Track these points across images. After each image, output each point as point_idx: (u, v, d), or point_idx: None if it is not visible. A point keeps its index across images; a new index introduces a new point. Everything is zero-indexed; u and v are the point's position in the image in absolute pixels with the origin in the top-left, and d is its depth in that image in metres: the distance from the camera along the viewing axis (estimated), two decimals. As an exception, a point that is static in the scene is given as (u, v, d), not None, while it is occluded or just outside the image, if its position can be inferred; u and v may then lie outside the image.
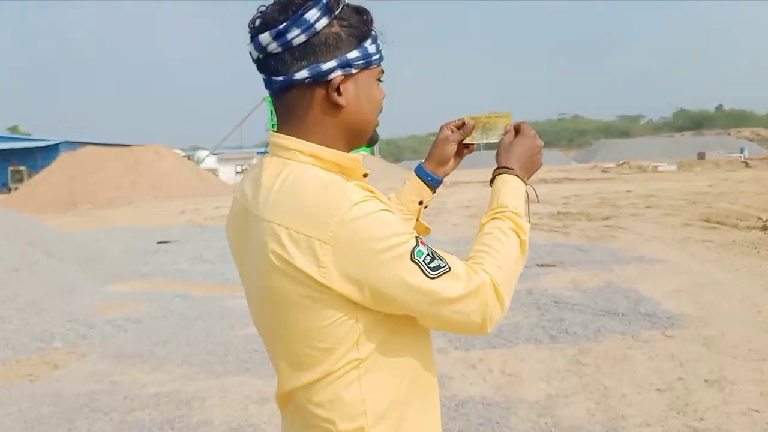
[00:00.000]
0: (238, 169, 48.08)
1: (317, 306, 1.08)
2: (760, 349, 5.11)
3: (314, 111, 1.16)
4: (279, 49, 1.11)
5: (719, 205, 15.22)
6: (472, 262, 1.18)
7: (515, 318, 6.22)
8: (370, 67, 1.18)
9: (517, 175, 1.32)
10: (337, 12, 1.12)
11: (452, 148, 1.51)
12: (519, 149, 1.36)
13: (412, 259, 1.07)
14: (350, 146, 1.22)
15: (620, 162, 40.51)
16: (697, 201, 16.43)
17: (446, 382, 4.68)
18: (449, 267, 1.11)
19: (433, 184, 1.53)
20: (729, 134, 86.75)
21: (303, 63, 1.12)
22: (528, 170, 1.36)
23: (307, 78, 1.12)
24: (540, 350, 5.34)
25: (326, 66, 1.12)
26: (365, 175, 1.22)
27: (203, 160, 55.02)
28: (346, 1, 1.15)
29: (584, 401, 4.23)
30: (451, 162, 1.53)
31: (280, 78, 1.13)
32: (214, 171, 50.00)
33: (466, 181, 32.35)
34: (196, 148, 62.09)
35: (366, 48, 1.16)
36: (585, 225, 13.22)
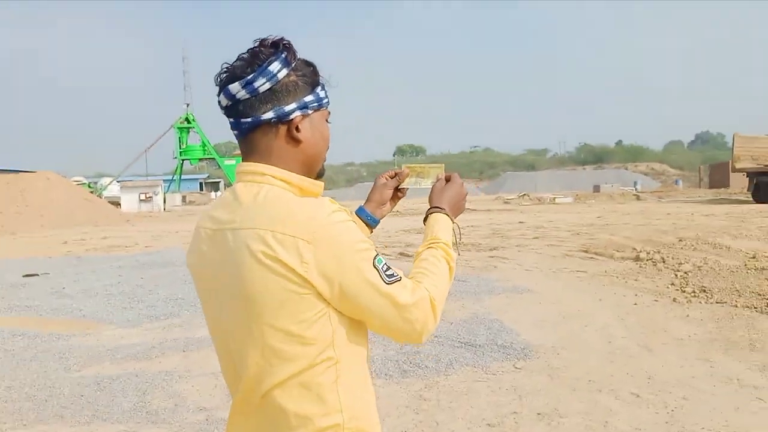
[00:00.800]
0: (142, 197, 46.36)
1: (298, 299, 1.25)
2: (599, 380, 5.20)
3: (278, 145, 1.38)
4: (247, 96, 1.34)
5: (601, 236, 15.81)
6: (413, 281, 1.39)
7: (373, 351, 6.10)
8: (321, 108, 1.43)
9: (447, 215, 1.60)
10: (293, 64, 1.37)
11: (389, 192, 1.81)
12: (449, 193, 1.65)
13: (374, 265, 1.30)
14: (305, 174, 1.42)
15: (521, 194, 41.82)
16: (581, 232, 17.01)
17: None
18: (401, 277, 1.34)
19: (371, 223, 1.79)
20: (626, 168, 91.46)
21: (268, 106, 1.35)
22: (455, 212, 1.64)
23: (272, 118, 1.35)
24: (388, 385, 5.23)
25: (288, 108, 1.36)
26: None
27: (105, 187, 52.87)
28: (299, 57, 1.39)
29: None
30: (388, 205, 1.82)
31: (249, 119, 1.36)
32: (116, 199, 48.09)
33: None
34: (101, 176, 59.63)
35: (318, 93, 1.41)
36: (471, 256, 13.38)
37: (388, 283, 1.30)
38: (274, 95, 1.34)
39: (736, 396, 4.78)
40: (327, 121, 1.46)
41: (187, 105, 55.90)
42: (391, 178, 1.82)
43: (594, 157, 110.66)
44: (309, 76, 1.40)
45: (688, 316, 7.49)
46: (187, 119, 54.64)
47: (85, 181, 54.80)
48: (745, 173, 29.97)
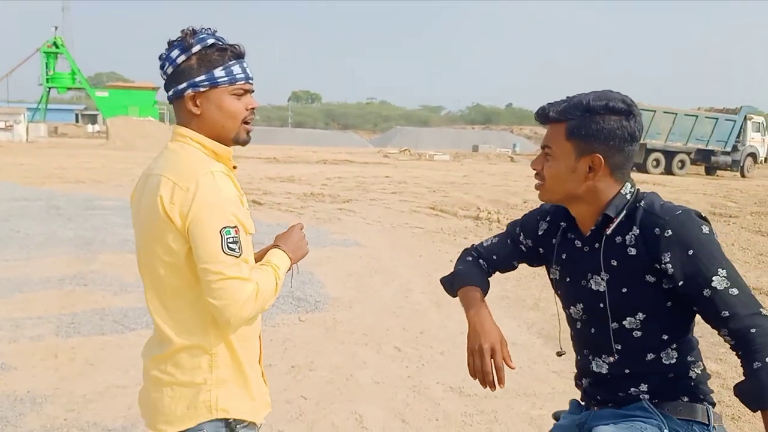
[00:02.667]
0: (1, 125, 42.61)
1: (166, 230, 1.56)
2: (371, 335, 5.26)
3: (185, 115, 1.67)
4: (164, 77, 1.67)
5: (455, 194, 16.21)
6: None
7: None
8: (218, 86, 1.64)
9: (285, 252, 1.78)
10: (194, 50, 1.62)
11: None
12: (290, 237, 1.84)
13: (219, 232, 1.53)
14: (220, 141, 1.68)
15: (402, 149, 42.21)
16: (438, 190, 17.37)
17: (8, 372, 4.19)
18: (240, 255, 1.56)
19: None
20: (512, 131, 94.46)
21: (172, 85, 1.65)
22: (295, 254, 1.82)
23: (171, 95, 1.67)
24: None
25: (180, 86, 1.63)
26: (234, 167, 1.73)
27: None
28: (210, 43, 1.63)
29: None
30: None
31: (167, 94, 1.68)
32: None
33: (246, 156, 31.65)
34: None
35: (213, 73, 1.63)
36: (322, 207, 13.32)
37: (224, 252, 1.53)
38: (175, 76, 1.63)
39: (490, 353, 4.97)
40: (238, 95, 1.66)
41: (56, 28, 51.41)
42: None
43: (483, 117, 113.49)
44: (210, 59, 1.62)
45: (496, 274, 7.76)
46: (55, 43, 50.29)
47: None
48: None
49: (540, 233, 1.88)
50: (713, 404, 1.70)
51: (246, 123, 1.70)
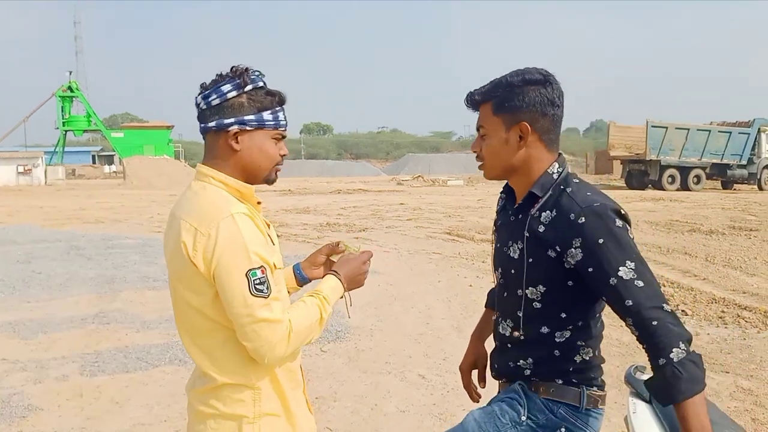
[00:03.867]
0: (20, 169, 43.34)
1: (192, 275, 1.58)
2: (395, 362, 5.23)
3: (220, 151, 1.69)
4: (204, 106, 1.68)
5: (471, 219, 16.20)
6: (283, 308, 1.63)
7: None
8: (264, 128, 1.69)
9: (340, 281, 1.81)
10: (246, 89, 1.67)
11: (322, 258, 2.03)
12: (350, 266, 1.86)
13: (245, 275, 1.54)
14: (247, 180, 1.70)
15: (415, 175, 42.33)
16: (454, 215, 17.36)
17: (35, 413, 4.20)
18: (268, 296, 1.57)
19: (301, 280, 2.03)
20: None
21: (214, 117, 1.67)
22: (350, 284, 1.85)
23: (214, 126, 1.67)
24: (178, 372, 5.03)
25: (227, 121, 1.66)
26: (259, 203, 1.74)
27: (-20, 158, 49.12)
28: (261, 85, 1.70)
29: (167, 429, 3.97)
30: (321, 269, 2.01)
31: (202, 125, 1.70)
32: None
33: (261, 189, 31.84)
34: (-20, 145, 55.27)
35: (262, 115, 1.68)
36: (339, 237, 13.34)
37: (252, 294, 1.54)
38: (221, 109, 1.66)
39: (515, 376, 4.92)
40: (277, 139, 1.72)
41: (70, 72, 52.52)
42: (328, 252, 2.03)
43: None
44: (260, 101, 1.68)
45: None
46: (70, 87, 51.33)
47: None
48: (620, 161, 31.60)
49: (496, 210, 2.03)
50: (600, 387, 1.79)
51: (276, 165, 1.77)
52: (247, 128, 1.67)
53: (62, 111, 51.56)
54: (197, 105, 1.70)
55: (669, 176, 28.58)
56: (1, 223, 15.56)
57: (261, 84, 1.71)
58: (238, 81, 1.66)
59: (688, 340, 1.53)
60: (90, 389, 4.65)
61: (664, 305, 1.56)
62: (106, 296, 7.67)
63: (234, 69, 1.69)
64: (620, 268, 1.59)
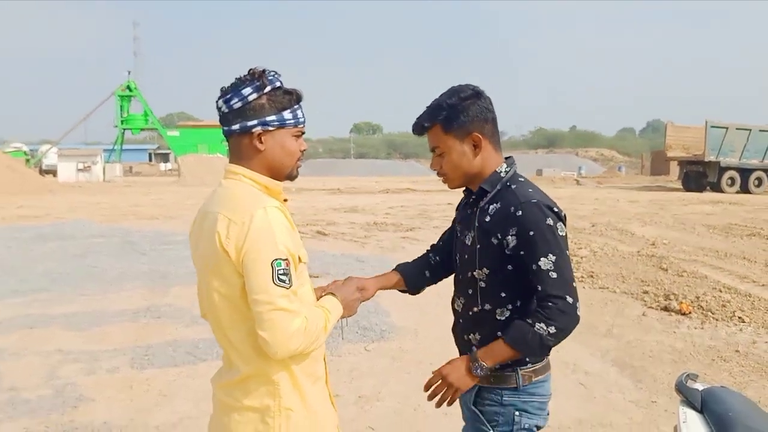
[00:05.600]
0: (80, 166, 44.85)
1: (224, 263, 1.63)
2: (439, 364, 5.16)
3: (245, 151, 1.76)
4: (226, 110, 1.74)
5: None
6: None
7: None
8: (285, 127, 1.76)
9: (339, 301, 1.90)
10: (266, 90, 1.72)
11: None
12: (345, 291, 1.99)
13: (270, 264, 1.60)
14: (272, 176, 1.78)
15: (465, 175, 41.90)
16: (503, 215, 17.12)
17: (86, 404, 4.32)
18: (290, 286, 1.63)
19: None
20: (577, 153, 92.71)
21: (237, 120, 1.73)
22: (347, 307, 1.94)
23: (238, 129, 1.74)
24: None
25: (250, 123, 1.72)
26: (285, 200, 1.82)
27: (44, 155, 51.04)
28: (279, 86, 1.75)
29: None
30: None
31: (225, 128, 1.76)
32: (53, 168, 46.44)
33: (311, 188, 32.17)
34: (46, 143, 57.51)
35: (282, 115, 1.75)
36: (386, 236, 13.35)
37: (275, 283, 1.59)
38: (243, 112, 1.71)
39: (561, 381, 4.80)
40: (297, 136, 1.79)
41: (129, 72, 54.14)
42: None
43: (547, 141, 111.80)
44: (280, 101, 1.74)
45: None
46: (128, 87, 52.90)
47: (25, 148, 52.73)
48: (677, 162, 30.70)
49: (457, 207, 2.29)
50: (534, 362, 2.00)
51: (298, 161, 1.85)
52: (270, 128, 1.74)
53: (121, 110, 53.25)
54: (219, 109, 1.76)
55: (728, 178, 27.62)
56: (61, 218, 16.13)
57: (278, 84, 1.76)
58: (257, 83, 1.72)
59: (560, 330, 1.85)
60: (139, 382, 4.76)
61: (567, 296, 1.84)
62: (158, 291, 7.84)
63: (252, 72, 1.74)
64: (541, 259, 1.85)
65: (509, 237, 1.91)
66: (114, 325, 6.28)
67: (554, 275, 1.84)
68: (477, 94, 2.01)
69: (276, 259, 1.60)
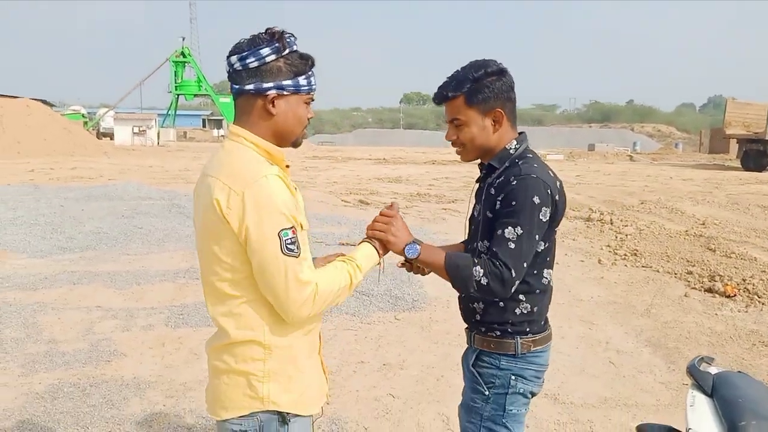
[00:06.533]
0: (135, 130, 45.93)
1: (222, 230, 1.60)
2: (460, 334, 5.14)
3: (254, 113, 1.70)
4: (240, 68, 1.67)
5: (566, 195, 15.62)
6: (311, 269, 1.68)
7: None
8: (299, 93, 1.71)
9: (375, 247, 1.89)
10: (284, 53, 1.67)
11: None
12: (399, 238, 1.94)
13: (277, 234, 1.57)
14: (277, 143, 1.73)
15: (514, 148, 41.19)
16: (549, 189, 16.80)
17: (119, 359, 4.46)
18: (299, 255, 1.61)
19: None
20: (633, 129, 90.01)
21: (252, 80, 1.67)
22: (384, 248, 1.92)
23: (252, 90, 1.67)
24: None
25: (266, 85, 1.67)
26: (287, 166, 1.76)
27: (101, 118, 52.42)
28: (295, 49, 1.70)
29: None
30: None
31: (237, 86, 1.69)
32: (110, 131, 47.69)
33: (357, 157, 32.21)
34: (104, 106, 59.07)
35: (298, 80, 1.70)
36: (427, 207, 13.29)
37: (284, 253, 1.57)
38: (259, 72, 1.65)
39: (591, 358, 4.73)
40: (308, 103, 1.75)
41: (183, 38, 54.84)
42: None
43: (602, 115, 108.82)
44: (296, 65, 1.69)
45: (602, 278, 7.42)
46: (182, 53, 53.54)
47: (83, 111, 54.23)
48: (736, 140, 29.48)
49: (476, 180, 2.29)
50: (535, 333, 2.06)
51: (304, 129, 1.80)
52: (284, 93, 1.68)
53: (175, 76, 53.97)
54: (231, 65, 1.69)
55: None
56: (113, 179, 16.58)
57: (295, 48, 1.71)
58: (277, 45, 1.66)
59: (488, 289, 1.88)
60: (172, 340, 4.88)
61: (512, 270, 1.87)
62: (198, 253, 8.00)
63: (271, 31, 1.67)
64: (507, 227, 1.90)
65: (498, 203, 1.96)
66: (153, 284, 6.44)
67: (512, 246, 1.89)
68: (502, 72, 2.03)
69: (282, 229, 1.58)
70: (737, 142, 29.77)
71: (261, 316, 1.67)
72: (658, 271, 7.73)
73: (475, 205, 2.18)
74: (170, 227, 9.72)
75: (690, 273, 7.48)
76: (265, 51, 1.65)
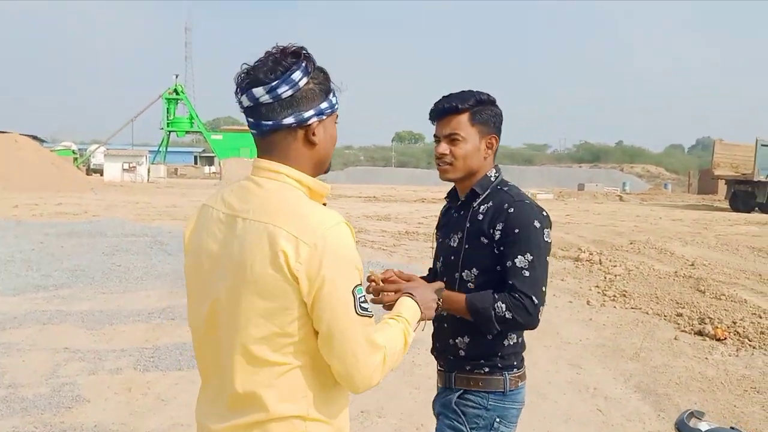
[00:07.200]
0: (125, 166, 45.84)
1: (284, 291, 1.34)
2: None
3: (295, 147, 1.46)
4: (270, 101, 1.41)
5: (555, 234, 15.31)
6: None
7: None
8: (334, 113, 1.52)
9: (417, 303, 1.71)
10: (312, 73, 1.45)
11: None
12: (425, 291, 1.78)
13: (351, 292, 1.37)
14: (315, 173, 1.51)
15: (504, 187, 41.34)
16: (538, 228, 16.71)
17: (81, 405, 4.22)
18: (372, 315, 1.41)
19: None
20: (622, 169, 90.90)
21: (289, 111, 1.43)
22: (426, 310, 1.74)
23: (293, 123, 1.43)
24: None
25: (307, 114, 1.44)
26: (324, 203, 1.50)
27: (91, 154, 52.39)
28: (316, 65, 1.47)
29: None
30: None
31: (270, 122, 1.43)
32: (100, 167, 47.57)
33: (348, 195, 32.17)
34: (96, 142, 59.09)
35: (330, 99, 1.49)
36: (415, 245, 13.13)
37: (358, 313, 1.37)
38: (295, 102, 1.42)
39: (578, 405, 4.54)
40: (336, 122, 1.56)
41: (176, 76, 55.25)
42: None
43: (592, 155, 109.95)
44: (323, 83, 1.48)
45: (591, 319, 7.25)
46: (176, 90, 53.95)
47: (74, 147, 54.24)
48: (725, 181, 29.67)
49: (441, 213, 2.33)
50: (518, 368, 2.04)
51: None
52: (323, 117, 1.48)
53: (167, 112, 54.27)
54: (255, 99, 1.42)
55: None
56: (97, 216, 16.37)
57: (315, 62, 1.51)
58: (305, 65, 1.43)
59: (515, 322, 1.86)
60: (140, 384, 4.66)
61: (534, 297, 1.86)
62: (178, 292, 7.78)
63: (291, 51, 1.44)
64: (518, 256, 1.88)
65: (496, 231, 1.94)
66: (127, 324, 6.22)
67: (527, 273, 1.87)
68: (495, 102, 2.07)
69: (357, 286, 1.38)
70: (726, 183, 29.94)
71: (309, 387, 1.42)
72: (647, 313, 7.57)
73: (449, 235, 2.10)
74: (150, 264, 9.51)
75: (680, 315, 7.33)
76: (297, 75, 1.42)
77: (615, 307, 7.92)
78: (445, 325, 2.08)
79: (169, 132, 56.06)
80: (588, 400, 4.68)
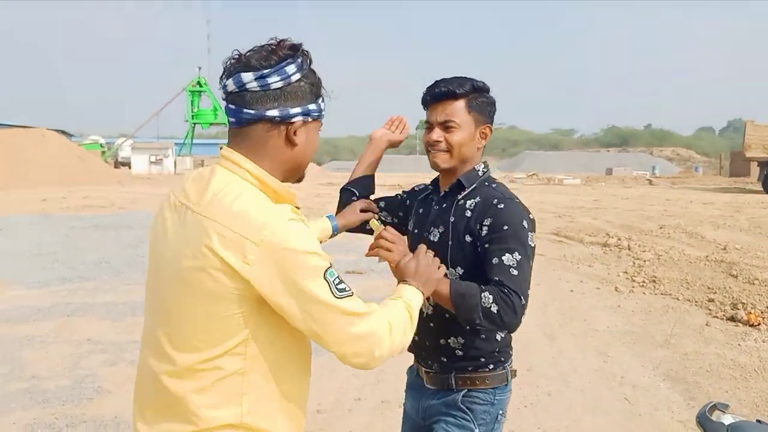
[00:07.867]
0: (152, 159, 46.33)
1: (225, 297, 1.25)
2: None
3: (272, 144, 1.38)
4: (257, 89, 1.34)
5: (582, 220, 15.31)
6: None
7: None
8: (319, 120, 1.44)
9: (417, 288, 1.59)
10: (306, 71, 1.39)
11: (357, 219, 2.12)
12: (420, 267, 1.65)
13: (324, 277, 1.28)
14: (287, 178, 1.43)
15: (530, 173, 41.05)
16: (564, 215, 16.49)
17: (102, 396, 4.22)
18: (353, 293, 1.32)
19: (334, 231, 2.09)
20: (651, 153, 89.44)
21: (275, 104, 1.35)
22: (428, 287, 1.64)
23: (277, 117, 1.36)
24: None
25: (293, 110, 1.37)
26: (298, 207, 1.39)
27: (119, 147, 53.02)
28: (312, 65, 1.41)
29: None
30: (353, 216, 2.12)
31: (252, 111, 1.35)
32: (127, 161, 48.17)
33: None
34: (123, 136, 59.84)
35: (319, 104, 1.42)
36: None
37: (338, 297, 1.29)
38: (283, 95, 1.35)
39: (604, 394, 4.42)
40: (319, 131, 1.49)
41: (199, 68, 55.31)
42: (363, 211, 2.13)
43: (620, 139, 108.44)
44: (315, 85, 1.41)
45: (619, 306, 7.09)
46: (199, 83, 54.17)
47: (101, 141, 54.90)
48: (757, 163, 28.94)
49: (415, 189, 2.25)
50: (511, 356, 2.00)
51: None
52: (309, 119, 1.40)
53: (191, 105, 54.55)
54: (240, 84, 1.34)
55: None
56: (124, 209, 16.56)
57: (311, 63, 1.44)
58: (300, 61, 1.37)
59: (499, 317, 1.72)
60: (160, 375, 4.65)
61: (521, 296, 1.74)
62: (200, 283, 7.81)
63: (289, 44, 1.36)
64: (506, 254, 1.78)
65: (482, 227, 1.84)
66: (149, 315, 6.23)
67: (515, 272, 1.77)
68: (489, 90, 2.00)
69: (327, 270, 1.29)
70: (758, 165, 29.21)
71: (244, 393, 1.32)
72: (677, 299, 7.38)
73: (428, 228, 1.99)
74: (175, 256, 9.54)
75: (711, 301, 7.13)
76: (291, 69, 1.35)
77: (644, 293, 7.74)
78: (431, 325, 1.95)
79: (194, 124, 56.40)
80: (615, 388, 4.56)
